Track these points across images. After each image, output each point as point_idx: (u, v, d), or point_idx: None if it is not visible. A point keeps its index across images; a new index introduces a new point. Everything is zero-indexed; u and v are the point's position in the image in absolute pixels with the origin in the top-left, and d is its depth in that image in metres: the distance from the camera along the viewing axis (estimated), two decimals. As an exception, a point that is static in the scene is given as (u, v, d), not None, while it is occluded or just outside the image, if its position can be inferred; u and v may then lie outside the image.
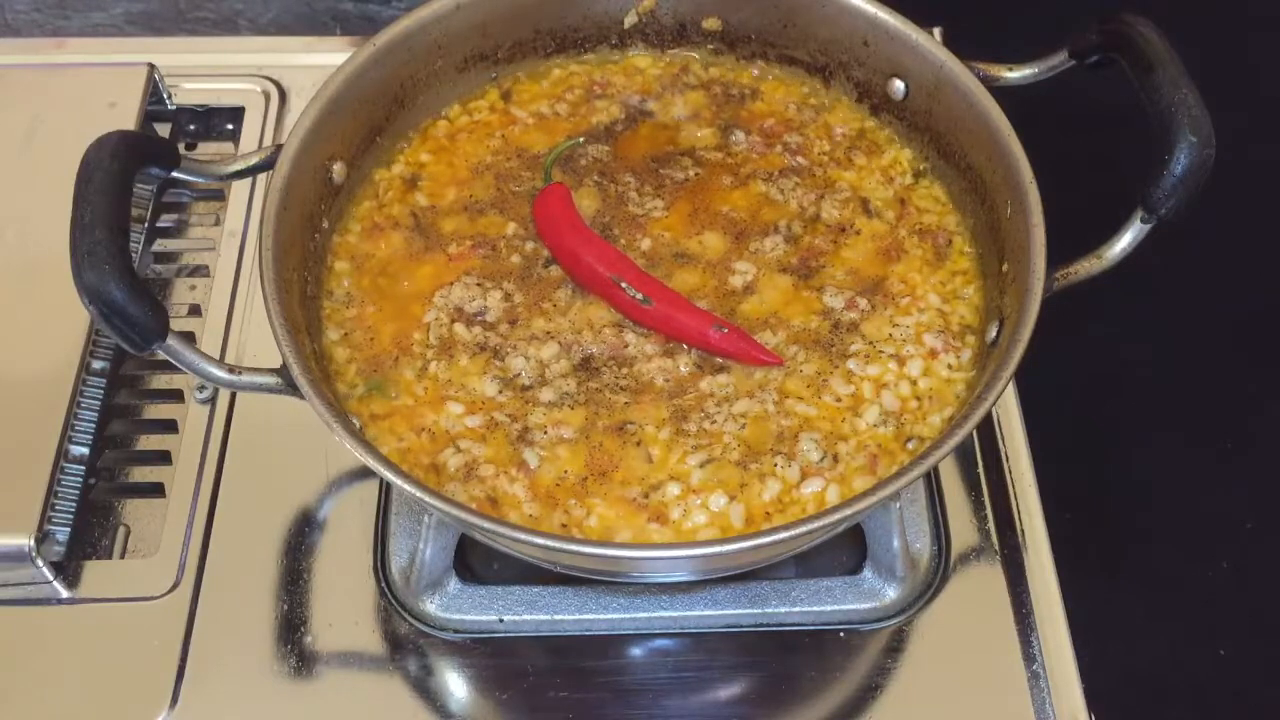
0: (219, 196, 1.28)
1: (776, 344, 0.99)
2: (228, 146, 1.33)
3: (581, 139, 1.12)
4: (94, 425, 1.09)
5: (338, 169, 1.04)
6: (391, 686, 0.98)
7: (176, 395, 1.14)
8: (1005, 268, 0.97)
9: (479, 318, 1.01)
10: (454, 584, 1.01)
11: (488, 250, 1.05)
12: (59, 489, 1.04)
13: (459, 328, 1.00)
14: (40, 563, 1.00)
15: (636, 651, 1.00)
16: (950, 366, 0.98)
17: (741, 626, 1.01)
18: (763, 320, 1.01)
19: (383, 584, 1.02)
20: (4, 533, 0.99)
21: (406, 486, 0.83)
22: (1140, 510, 1.19)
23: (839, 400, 0.96)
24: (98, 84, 1.26)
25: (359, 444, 0.84)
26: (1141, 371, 1.27)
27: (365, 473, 1.07)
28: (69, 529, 1.04)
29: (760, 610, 1.01)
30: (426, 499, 0.83)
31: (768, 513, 0.91)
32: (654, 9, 1.16)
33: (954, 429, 0.85)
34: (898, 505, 1.03)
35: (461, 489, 0.92)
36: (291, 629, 1.00)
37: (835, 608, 1.01)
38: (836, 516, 0.82)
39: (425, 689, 0.98)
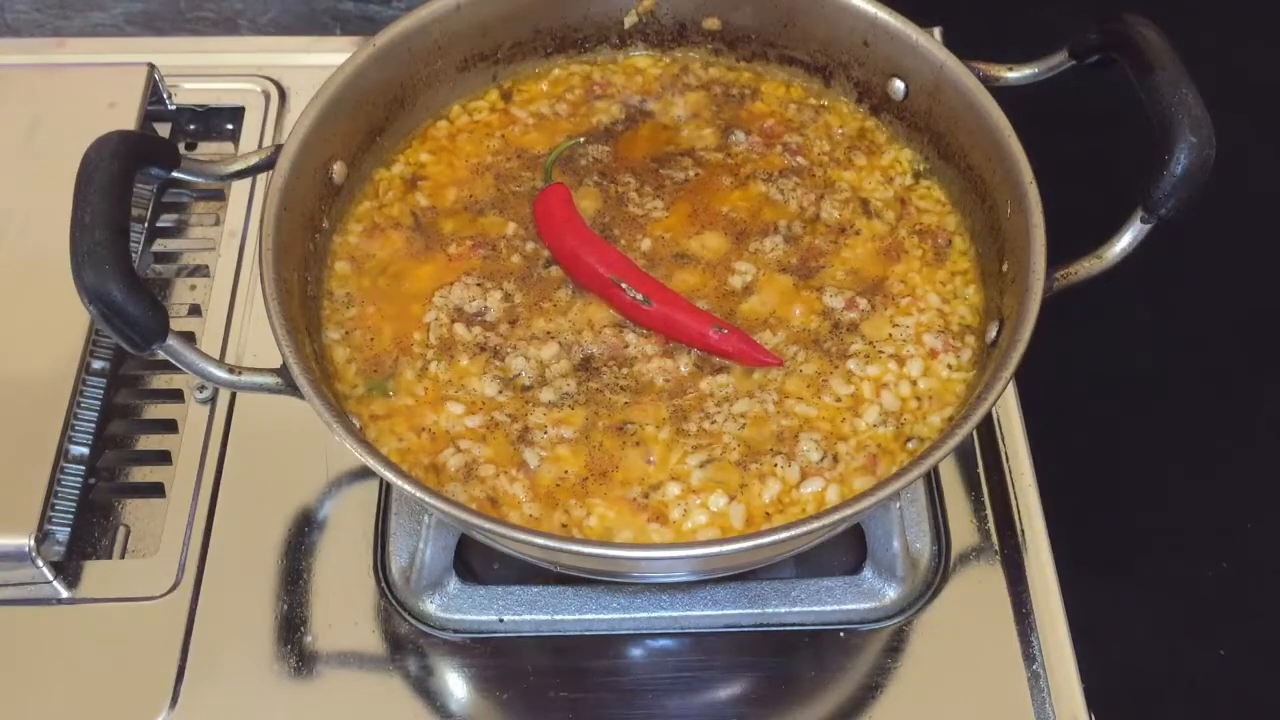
0: (219, 196, 1.28)
1: (776, 344, 0.99)
2: (228, 146, 1.33)
3: (582, 139, 1.12)
4: (94, 425, 1.09)
5: (338, 169, 1.04)
6: (391, 686, 0.98)
7: (176, 395, 1.14)
8: (1005, 268, 0.97)
9: (479, 318, 1.01)
10: (454, 584, 1.01)
11: (488, 250, 1.05)
12: (59, 489, 1.04)
13: (459, 328, 1.00)
14: (40, 563, 1.00)
15: (636, 651, 1.00)
16: (950, 366, 0.98)
17: (741, 626, 1.01)
18: (763, 320, 1.01)
19: (383, 584, 1.02)
20: (4, 533, 0.99)
21: (406, 487, 0.83)
22: (1140, 510, 1.19)
23: (839, 400, 0.96)
24: (98, 84, 1.26)
25: (359, 444, 0.84)
26: (1141, 371, 1.27)
27: (365, 473, 1.07)
28: (69, 529, 1.04)
29: (760, 610, 1.01)
30: (426, 499, 0.83)
31: (768, 513, 0.91)
32: (654, 9, 1.15)
33: (954, 429, 0.85)
34: (898, 505, 1.03)
35: (461, 489, 0.92)
36: (291, 629, 1.00)
37: (835, 608, 1.01)
38: (836, 516, 0.82)
39: (425, 689, 0.98)
